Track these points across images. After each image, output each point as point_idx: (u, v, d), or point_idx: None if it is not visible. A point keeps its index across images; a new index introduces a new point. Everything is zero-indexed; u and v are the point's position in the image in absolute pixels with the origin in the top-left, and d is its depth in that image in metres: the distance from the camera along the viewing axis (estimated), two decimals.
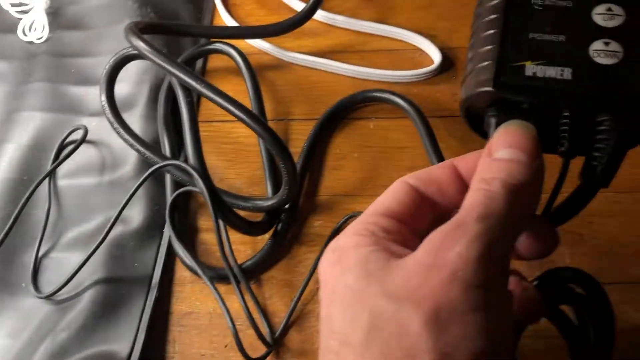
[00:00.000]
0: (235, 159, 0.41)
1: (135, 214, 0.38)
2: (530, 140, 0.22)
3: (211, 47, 0.43)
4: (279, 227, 0.38)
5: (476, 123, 0.27)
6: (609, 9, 0.25)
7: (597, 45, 0.25)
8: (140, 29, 0.38)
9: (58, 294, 0.35)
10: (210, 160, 0.41)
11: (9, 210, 0.39)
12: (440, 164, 0.24)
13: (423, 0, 0.47)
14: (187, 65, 0.44)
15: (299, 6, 0.47)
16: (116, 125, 0.38)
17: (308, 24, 0.44)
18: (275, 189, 0.39)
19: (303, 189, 0.40)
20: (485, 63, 0.25)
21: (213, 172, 0.40)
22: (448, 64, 0.43)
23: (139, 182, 0.36)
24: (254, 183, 0.40)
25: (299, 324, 0.35)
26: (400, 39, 0.45)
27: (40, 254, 0.37)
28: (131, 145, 0.38)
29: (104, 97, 0.39)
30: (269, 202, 0.36)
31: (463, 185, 0.23)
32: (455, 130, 0.41)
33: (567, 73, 0.24)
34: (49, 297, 0.36)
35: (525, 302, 0.24)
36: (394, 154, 0.40)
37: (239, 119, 0.34)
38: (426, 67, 0.43)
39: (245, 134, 0.42)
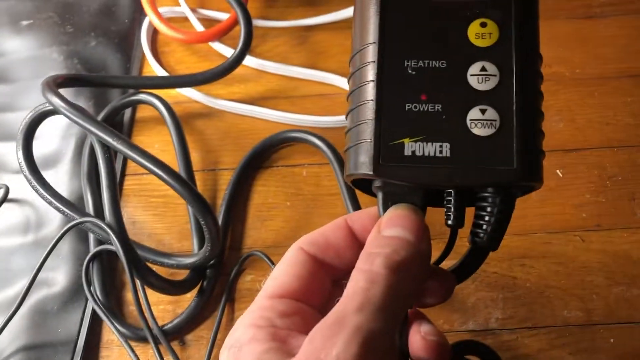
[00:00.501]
0: (165, 212, 0.40)
1: (60, 276, 0.37)
2: (417, 222, 0.22)
3: (136, 97, 0.42)
4: (204, 284, 0.37)
5: (365, 187, 0.25)
6: (483, 68, 0.23)
7: (474, 113, 0.23)
8: (59, 84, 0.38)
9: None
10: (139, 214, 0.40)
11: None
12: (334, 223, 0.24)
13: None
14: (114, 116, 0.43)
15: (229, 53, 0.46)
16: (34, 183, 0.37)
17: (239, 70, 0.44)
18: (201, 244, 0.38)
19: (229, 242, 0.39)
20: (362, 142, 0.23)
21: (141, 227, 0.40)
22: None
23: (53, 242, 0.35)
24: (184, 237, 0.39)
25: None
26: (330, 83, 0.45)
27: None
28: (50, 203, 0.37)
29: (20, 155, 0.37)
30: (192, 259, 0.35)
31: (358, 246, 0.22)
32: None
33: (445, 149, 0.23)
34: None
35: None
36: (327, 201, 0.40)
37: (156, 175, 0.33)
38: None
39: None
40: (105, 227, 0.34)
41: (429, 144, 0.23)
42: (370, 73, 0.23)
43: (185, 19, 0.48)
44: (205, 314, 0.36)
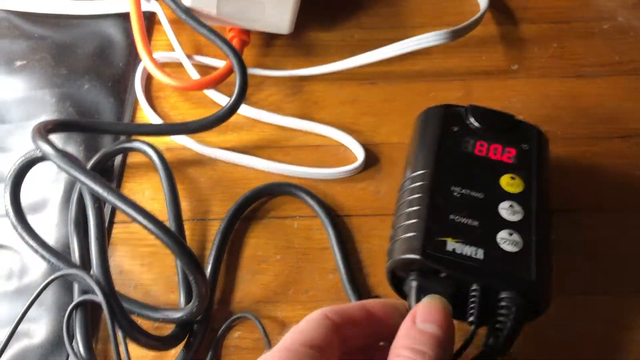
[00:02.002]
0: (152, 263, 0.39)
1: (41, 327, 0.36)
2: (449, 318, 0.28)
3: (128, 145, 0.42)
4: (191, 340, 0.36)
5: (397, 284, 0.34)
6: (511, 206, 0.32)
7: (503, 234, 0.31)
8: (49, 129, 0.37)
9: None
10: (126, 264, 0.39)
11: None
12: (355, 304, 0.29)
13: (346, 95, 0.47)
14: (105, 162, 0.43)
15: (224, 101, 0.46)
16: (20, 229, 0.36)
17: (232, 119, 0.44)
18: (189, 297, 0.37)
19: (218, 295, 0.38)
20: (413, 234, 0.32)
21: (128, 277, 0.39)
22: (372, 160, 0.43)
23: (36, 293, 0.34)
24: (171, 290, 0.38)
25: None
26: (324, 135, 0.45)
27: None
28: (35, 252, 0.36)
29: (8, 201, 0.37)
30: (179, 314, 0.35)
31: (375, 322, 0.29)
32: (377, 230, 0.40)
33: (479, 253, 0.31)
34: None
35: None
36: (318, 255, 0.39)
37: (146, 229, 0.33)
38: (349, 165, 0.43)
39: None
40: (91, 281, 0.33)
41: (467, 246, 0.31)
42: (425, 187, 0.34)
43: (180, 64, 0.48)
44: None
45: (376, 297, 0.38)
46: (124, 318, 0.33)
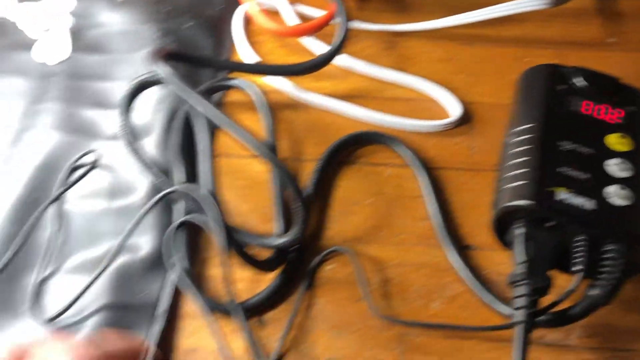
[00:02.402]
0: (249, 194, 0.41)
1: (144, 243, 0.37)
2: None
3: (230, 82, 0.43)
4: (286, 267, 0.37)
5: (501, 232, 0.35)
6: (622, 162, 0.33)
7: (614, 188, 0.32)
8: (165, 56, 0.38)
9: (59, 319, 0.34)
10: (223, 194, 0.41)
11: (15, 229, 0.38)
12: None
13: (442, 53, 0.48)
14: (207, 96, 0.44)
15: (318, 48, 0.47)
16: (131, 148, 0.38)
17: (327, 68, 0.45)
18: (285, 227, 0.39)
19: (310, 231, 0.39)
20: (523, 182, 0.33)
21: (227, 206, 0.40)
22: (466, 117, 0.44)
23: (148, 206, 0.35)
24: (266, 220, 0.40)
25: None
26: (419, 89, 0.45)
27: (43, 277, 0.36)
28: (144, 170, 0.38)
29: (121, 120, 0.38)
30: (279, 241, 0.36)
31: None
32: (469, 184, 0.41)
33: (589, 204, 0.31)
34: (49, 322, 0.34)
35: None
36: (409, 203, 0.40)
37: (259, 154, 0.34)
38: (444, 119, 0.43)
39: (258, 171, 0.42)
40: (201, 196, 0.34)
41: (577, 197, 0.32)
42: (533, 140, 0.34)
43: (276, 13, 0.49)
44: (284, 296, 0.37)
45: (467, 247, 0.38)
46: (230, 236, 0.34)
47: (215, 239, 0.35)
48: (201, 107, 0.35)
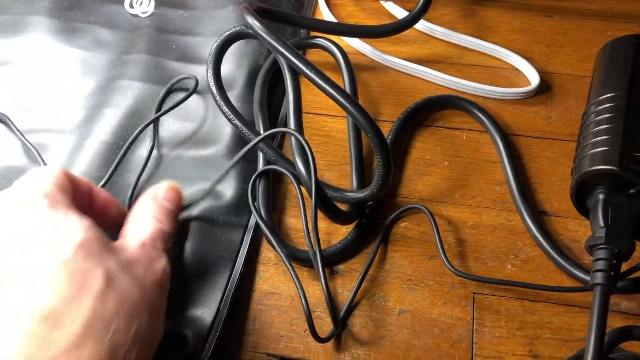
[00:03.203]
0: (326, 151, 0.42)
1: (227, 190, 0.39)
2: (181, 201, 0.36)
3: (314, 41, 0.44)
4: (363, 221, 0.38)
5: (579, 200, 0.35)
6: None
7: None
8: (256, 10, 0.39)
9: None
10: None
11: (101, 173, 0.40)
12: (84, 181, 0.33)
13: (520, 24, 0.48)
14: None
15: (397, 11, 0.48)
16: (219, 98, 0.39)
17: (406, 32, 0.45)
18: (360, 184, 0.40)
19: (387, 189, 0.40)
20: (608, 148, 0.33)
21: None
22: (545, 87, 0.44)
23: (242, 152, 0.37)
24: (342, 177, 0.41)
25: (361, 310, 0.35)
26: (498, 57, 0.45)
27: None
28: (231, 120, 0.39)
29: (210, 71, 0.40)
30: (360, 195, 0.37)
31: (94, 206, 0.33)
32: (546, 152, 0.41)
33: None
34: None
35: None
36: (485, 167, 0.40)
37: (344, 109, 0.35)
38: (523, 87, 0.43)
39: (337, 129, 0.43)
40: (296, 134, 0.35)
41: None
42: (618, 107, 0.34)
43: None
44: (358, 249, 0.38)
45: (542, 212, 0.38)
46: (315, 185, 0.35)
47: (299, 188, 0.36)
48: (289, 59, 0.35)
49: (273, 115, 0.43)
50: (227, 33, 0.40)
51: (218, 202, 0.38)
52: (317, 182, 0.35)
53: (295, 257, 0.37)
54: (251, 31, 0.38)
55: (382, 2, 0.48)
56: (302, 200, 0.36)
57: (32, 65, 0.45)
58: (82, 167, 0.40)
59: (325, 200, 0.35)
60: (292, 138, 0.37)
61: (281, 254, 0.36)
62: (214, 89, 0.39)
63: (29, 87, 0.44)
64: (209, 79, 0.40)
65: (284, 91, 0.44)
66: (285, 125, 0.42)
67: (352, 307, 0.36)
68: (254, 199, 0.38)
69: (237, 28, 0.40)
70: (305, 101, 0.43)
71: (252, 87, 0.43)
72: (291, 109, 0.37)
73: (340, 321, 0.34)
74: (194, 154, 0.41)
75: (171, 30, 0.47)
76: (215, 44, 0.40)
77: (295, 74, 0.39)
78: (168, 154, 0.41)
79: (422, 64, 0.45)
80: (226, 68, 0.44)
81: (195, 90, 0.41)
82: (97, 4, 0.49)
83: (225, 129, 0.41)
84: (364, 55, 0.46)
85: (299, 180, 0.37)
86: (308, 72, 0.35)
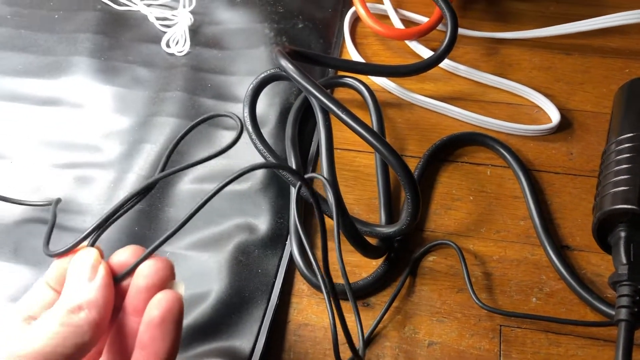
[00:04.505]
0: (355, 185, 0.43)
1: (261, 224, 0.41)
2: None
3: (343, 80, 0.46)
4: (392, 255, 0.40)
5: (601, 236, 0.37)
6: None
7: None
8: (288, 53, 0.42)
9: None
10: None
11: (143, 205, 0.42)
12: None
13: (541, 61, 0.49)
14: None
15: (421, 50, 0.50)
16: (254, 137, 0.41)
17: (431, 70, 0.47)
18: (388, 219, 0.41)
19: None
20: (627, 188, 0.35)
21: None
22: (565, 123, 0.45)
23: (298, 189, 0.39)
24: (370, 211, 0.42)
25: (392, 341, 0.37)
26: (519, 94, 0.47)
27: (167, 249, 0.40)
28: (265, 157, 0.41)
29: (247, 110, 0.42)
30: (390, 230, 0.38)
31: None
32: (568, 187, 0.42)
33: None
34: None
35: None
36: (509, 202, 0.42)
37: (374, 147, 0.36)
38: (544, 125, 0.45)
39: (365, 165, 0.44)
40: (324, 180, 0.37)
41: None
42: (636, 148, 0.37)
43: (384, 17, 0.52)
44: (388, 282, 0.39)
45: (565, 247, 0.40)
46: (347, 220, 0.37)
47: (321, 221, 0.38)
48: (321, 101, 0.38)
49: (304, 152, 0.45)
50: (263, 75, 0.42)
51: (253, 236, 0.40)
52: (348, 217, 0.36)
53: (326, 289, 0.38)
54: (284, 73, 0.40)
55: (406, 42, 0.50)
56: (338, 236, 0.37)
57: (75, 103, 0.48)
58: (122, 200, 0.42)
59: (356, 235, 0.37)
60: (323, 174, 0.39)
61: (313, 285, 0.38)
62: (249, 127, 0.41)
63: (72, 124, 0.47)
64: (245, 118, 0.42)
65: (314, 128, 0.46)
66: (316, 160, 0.44)
67: (377, 336, 0.37)
68: (289, 231, 0.40)
69: (272, 70, 0.42)
70: (335, 137, 0.45)
71: (283, 124, 0.45)
72: (323, 147, 0.39)
73: (365, 345, 0.36)
74: (230, 189, 0.43)
75: (206, 69, 0.49)
76: (251, 85, 0.42)
77: (327, 113, 0.41)
78: (204, 189, 0.43)
79: (446, 101, 0.47)
80: (258, 107, 0.46)
81: (241, 133, 0.42)
82: (135, 44, 0.51)
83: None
84: (389, 92, 0.48)
85: (321, 214, 0.38)
86: (339, 112, 0.37)
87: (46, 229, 0.35)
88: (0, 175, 0.44)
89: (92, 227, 0.28)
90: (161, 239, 0.27)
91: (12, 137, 0.46)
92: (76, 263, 0.27)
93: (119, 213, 0.30)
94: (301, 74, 0.39)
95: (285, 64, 0.40)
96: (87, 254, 0.28)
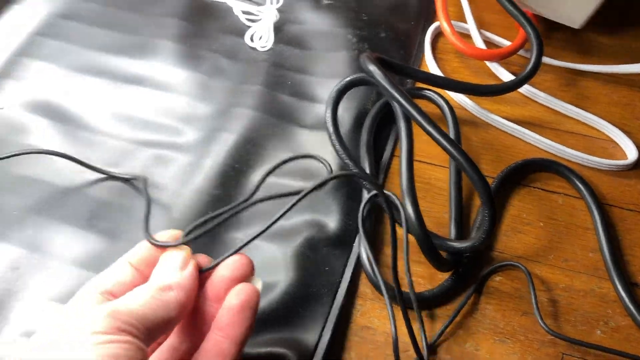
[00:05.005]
0: (425, 197, 0.44)
1: (330, 223, 0.41)
2: None
3: (424, 92, 0.46)
4: (459, 270, 0.40)
5: None
6: None
7: None
8: (375, 59, 0.42)
9: None
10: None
11: (219, 191, 0.43)
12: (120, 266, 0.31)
13: (619, 97, 0.49)
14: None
15: (501, 73, 0.50)
16: (334, 137, 0.42)
17: (509, 94, 0.47)
18: (458, 234, 0.41)
19: None
20: None
21: None
22: None
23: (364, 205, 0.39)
24: (439, 224, 0.42)
25: (453, 355, 0.37)
26: (597, 127, 0.47)
27: (238, 235, 0.41)
28: (343, 159, 0.42)
29: (329, 111, 0.43)
30: (462, 245, 0.39)
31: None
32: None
33: None
34: None
35: None
36: (580, 233, 0.42)
37: (458, 163, 0.37)
38: (621, 160, 0.45)
39: (437, 178, 0.45)
40: (403, 189, 0.37)
41: None
42: None
43: (465, 36, 0.52)
44: (453, 296, 0.39)
45: (634, 284, 0.39)
46: (424, 233, 0.37)
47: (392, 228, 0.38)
48: (406, 108, 0.38)
49: (377, 158, 0.45)
50: (349, 78, 0.43)
51: (321, 234, 0.41)
52: (425, 230, 0.37)
53: (392, 295, 0.38)
54: (371, 79, 0.41)
55: (487, 62, 0.51)
56: (407, 243, 0.37)
57: (158, 84, 0.49)
58: (198, 184, 0.43)
59: (431, 248, 0.37)
60: (402, 183, 0.39)
61: (379, 290, 0.38)
62: (330, 128, 0.42)
63: (154, 104, 0.48)
64: (327, 118, 0.42)
65: (387, 137, 0.46)
66: (388, 168, 0.44)
67: (439, 347, 0.37)
68: (360, 234, 0.40)
69: (358, 75, 0.43)
70: None
71: (357, 129, 0.46)
72: (404, 157, 0.40)
73: (429, 353, 0.36)
74: (302, 186, 0.43)
75: (287, 67, 0.50)
76: (336, 87, 0.43)
77: (410, 123, 0.41)
78: (277, 182, 0.43)
79: (522, 125, 0.47)
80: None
81: (331, 179, 0.41)
82: (220, 35, 0.52)
83: (335, 164, 0.44)
84: (466, 110, 0.48)
85: (394, 224, 0.39)
86: (424, 122, 0.38)
87: (143, 213, 0.38)
88: (81, 145, 0.45)
89: (191, 230, 0.32)
90: (246, 240, 0.31)
91: (96, 110, 0.47)
92: (171, 254, 0.30)
93: (222, 218, 0.33)
94: (388, 80, 0.40)
95: (374, 69, 0.41)
96: (181, 250, 0.31)
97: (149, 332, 0.27)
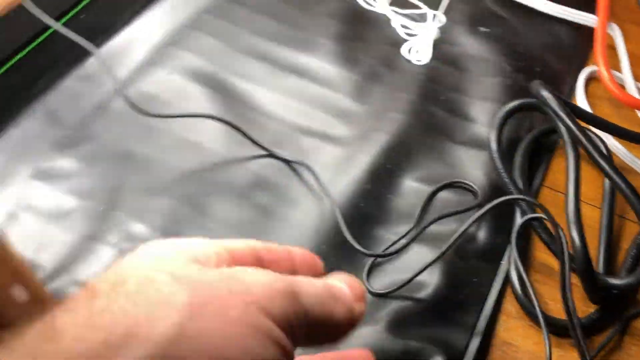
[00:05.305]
0: None
1: (480, 235, 0.42)
2: None
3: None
4: (608, 305, 0.39)
5: None
6: None
7: None
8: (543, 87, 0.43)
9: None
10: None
11: (369, 186, 0.44)
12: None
13: None
14: (541, 137, 0.48)
15: None
16: (496, 155, 0.43)
17: None
18: (606, 269, 0.41)
19: None
20: None
21: None
22: None
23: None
24: None
25: None
26: None
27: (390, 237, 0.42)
28: (503, 177, 0.42)
29: (494, 131, 0.43)
30: (619, 281, 0.39)
31: None
32: None
33: None
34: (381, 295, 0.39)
35: None
36: None
37: (623, 193, 0.37)
38: None
39: (584, 215, 0.45)
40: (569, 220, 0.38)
41: None
42: None
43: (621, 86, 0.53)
44: (595, 331, 0.39)
45: None
46: (589, 265, 0.37)
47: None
48: (576, 135, 0.39)
49: (530, 181, 0.46)
50: (520, 101, 0.44)
51: (471, 245, 0.41)
52: (590, 263, 0.37)
53: (534, 316, 0.38)
54: (544, 105, 0.42)
55: (638, 112, 0.51)
56: (567, 268, 0.37)
57: (316, 78, 0.51)
58: (353, 176, 0.44)
59: (594, 280, 0.37)
60: (568, 213, 0.39)
61: (526, 310, 0.38)
62: (493, 146, 0.43)
63: (312, 96, 0.50)
64: (490, 137, 0.43)
65: (538, 164, 0.47)
66: (536, 195, 0.45)
67: None
68: (513, 250, 0.40)
69: (528, 100, 0.44)
70: (554, 177, 0.46)
71: (507, 154, 0.46)
72: (571, 186, 0.40)
73: None
74: (459, 199, 0.44)
75: (441, 83, 0.52)
76: (507, 107, 0.44)
77: (577, 152, 0.42)
78: (422, 189, 0.44)
79: None
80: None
81: (480, 205, 0.41)
82: (379, 42, 0.54)
83: (484, 183, 0.44)
84: (616, 155, 0.48)
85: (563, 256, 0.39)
86: (595, 154, 0.39)
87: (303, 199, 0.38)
88: (242, 121, 0.46)
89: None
90: (421, 268, 0.36)
91: (257, 91, 0.49)
92: (356, 281, 0.26)
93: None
94: (563, 107, 0.40)
95: (548, 95, 0.41)
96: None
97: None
